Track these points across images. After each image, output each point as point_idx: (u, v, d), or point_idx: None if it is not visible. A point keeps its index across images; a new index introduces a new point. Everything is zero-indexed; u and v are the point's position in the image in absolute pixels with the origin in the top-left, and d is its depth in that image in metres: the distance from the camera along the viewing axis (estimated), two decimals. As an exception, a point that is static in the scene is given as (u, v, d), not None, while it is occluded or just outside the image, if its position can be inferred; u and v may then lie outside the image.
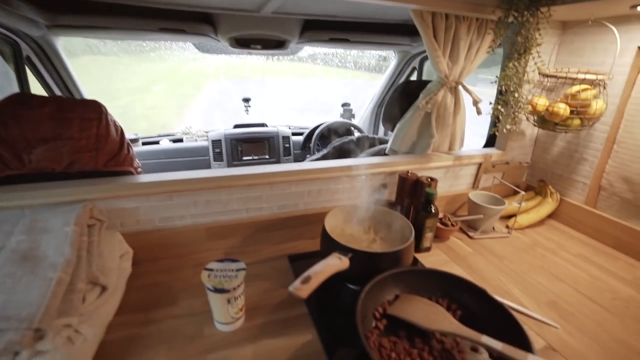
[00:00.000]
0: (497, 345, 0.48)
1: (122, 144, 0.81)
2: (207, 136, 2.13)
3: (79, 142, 0.72)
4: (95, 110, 0.75)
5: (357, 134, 2.07)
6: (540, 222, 1.08)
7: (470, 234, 0.98)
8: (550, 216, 1.11)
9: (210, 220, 0.86)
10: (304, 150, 2.09)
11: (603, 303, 0.74)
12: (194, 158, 2.06)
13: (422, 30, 0.89)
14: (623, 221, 0.95)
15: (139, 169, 0.90)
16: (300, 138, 2.16)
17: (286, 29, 1.49)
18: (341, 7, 1.24)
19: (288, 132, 2.15)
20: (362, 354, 0.46)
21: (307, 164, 0.89)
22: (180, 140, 2.21)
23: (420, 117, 1.05)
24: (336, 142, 1.43)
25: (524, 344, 0.49)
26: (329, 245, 0.67)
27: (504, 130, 0.95)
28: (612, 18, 0.88)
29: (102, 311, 0.63)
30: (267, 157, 2.12)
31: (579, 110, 0.90)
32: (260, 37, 1.54)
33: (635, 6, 0.78)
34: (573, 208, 1.07)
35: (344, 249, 0.63)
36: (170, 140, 2.20)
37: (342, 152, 1.37)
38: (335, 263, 0.59)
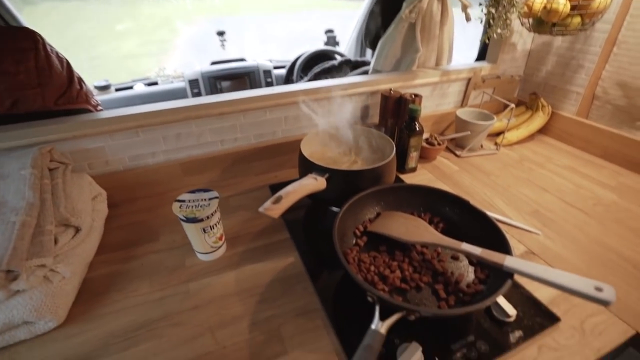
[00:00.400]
0: (476, 250, 0.48)
1: (70, 78, 0.72)
2: (183, 77, 1.98)
3: (16, 77, 0.64)
4: (28, 39, 0.65)
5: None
6: (530, 138, 1.05)
7: (458, 152, 0.96)
8: (541, 131, 1.08)
9: (184, 155, 0.82)
10: (288, 83, 1.97)
11: (585, 209, 0.74)
12: (172, 101, 1.94)
13: None
14: (614, 129, 0.92)
15: (99, 107, 0.83)
16: (283, 71, 2.02)
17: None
18: None
19: (269, 65, 1.99)
20: (346, 274, 0.45)
21: (280, 88, 0.81)
22: (155, 84, 2.07)
23: (404, 29, 0.95)
24: (316, 68, 1.33)
25: (503, 247, 0.48)
26: (306, 168, 0.63)
27: (494, 36, 0.86)
28: None
29: (79, 251, 0.61)
30: (249, 94, 2.00)
31: (581, 4, 0.80)
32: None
33: None
34: (564, 120, 1.03)
35: (320, 170, 0.60)
36: (145, 85, 2.06)
37: (324, 78, 1.28)
38: (310, 183, 0.56)
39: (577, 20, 0.84)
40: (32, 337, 0.51)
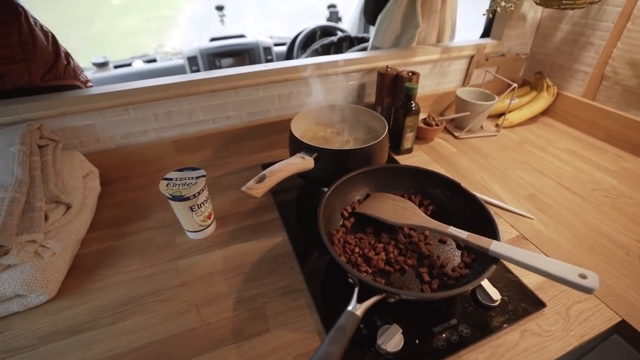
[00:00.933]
0: (463, 234, 0.47)
1: (57, 53, 0.71)
2: (182, 54, 1.95)
3: (-1, 50, 0.63)
4: (10, 11, 0.63)
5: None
6: (533, 119, 1.02)
7: (456, 133, 0.93)
8: (544, 113, 1.04)
9: (176, 133, 0.81)
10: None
11: (582, 194, 0.72)
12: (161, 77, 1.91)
13: None
14: (621, 112, 0.88)
15: (89, 84, 0.81)
16: (284, 48, 1.96)
17: None
18: None
19: (269, 42, 1.94)
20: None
21: (273, 64, 0.79)
22: (154, 61, 2.03)
23: (404, 3, 0.90)
24: (315, 45, 1.28)
25: (491, 232, 0.48)
26: (295, 147, 0.62)
27: (498, 9, 0.81)
28: None
29: (70, 227, 0.62)
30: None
31: (592, -24, 0.75)
32: None
33: None
34: (569, 102, 0.99)
35: (308, 149, 0.59)
36: (143, 62, 2.03)
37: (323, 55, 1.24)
38: (297, 162, 0.55)
39: (588, -8, 0.78)
40: (25, 309, 0.52)
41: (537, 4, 0.87)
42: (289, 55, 1.91)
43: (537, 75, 1.02)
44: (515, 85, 0.88)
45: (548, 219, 0.66)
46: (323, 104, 0.77)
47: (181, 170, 0.60)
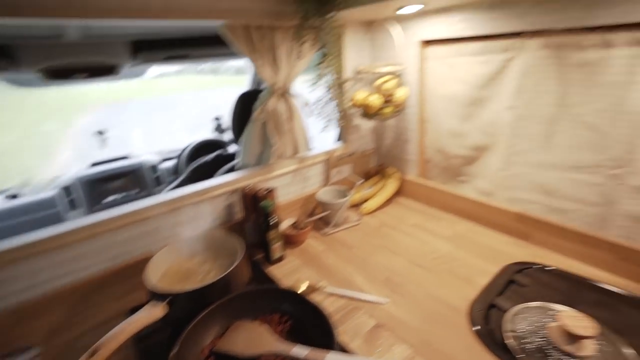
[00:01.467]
0: (303, 353, 0.50)
1: None
2: (55, 184, 1.81)
3: None
4: None
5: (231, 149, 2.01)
6: (389, 202, 1.21)
7: (324, 230, 1.04)
8: (398, 194, 1.25)
9: (15, 301, 0.71)
10: (177, 174, 1.95)
11: (425, 264, 0.85)
12: (39, 214, 1.72)
13: (237, 43, 0.89)
14: (444, 186, 1.12)
15: None
16: (173, 162, 2.00)
17: (111, 52, 1.34)
18: (164, 25, 1.16)
19: (155, 160, 1.97)
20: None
21: (130, 206, 0.80)
22: (16, 196, 1.83)
23: (258, 128, 1.06)
24: (192, 165, 1.36)
25: (330, 340, 0.52)
26: (148, 294, 0.61)
27: (336, 125, 1.01)
28: (394, 18, 1.01)
29: None
30: (137, 191, 1.91)
31: (387, 98, 1.02)
32: (83, 66, 1.35)
33: (398, 8, 0.90)
34: (410, 183, 1.22)
35: (159, 296, 0.59)
36: (5, 197, 1.81)
37: (199, 175, 1.31)
38: (141, 317, 0.54)
39: (389, 109, 1.05)
40: None
41: (361, 117, 1.12)
42: (177, 170, 1.95)
43: (380, 167, 1.25)
44: (360, 180, 1.06)
45: (400, 299, 0.75)
46: (193, 231, 0.79)
47: (4, 356, 0.52)
